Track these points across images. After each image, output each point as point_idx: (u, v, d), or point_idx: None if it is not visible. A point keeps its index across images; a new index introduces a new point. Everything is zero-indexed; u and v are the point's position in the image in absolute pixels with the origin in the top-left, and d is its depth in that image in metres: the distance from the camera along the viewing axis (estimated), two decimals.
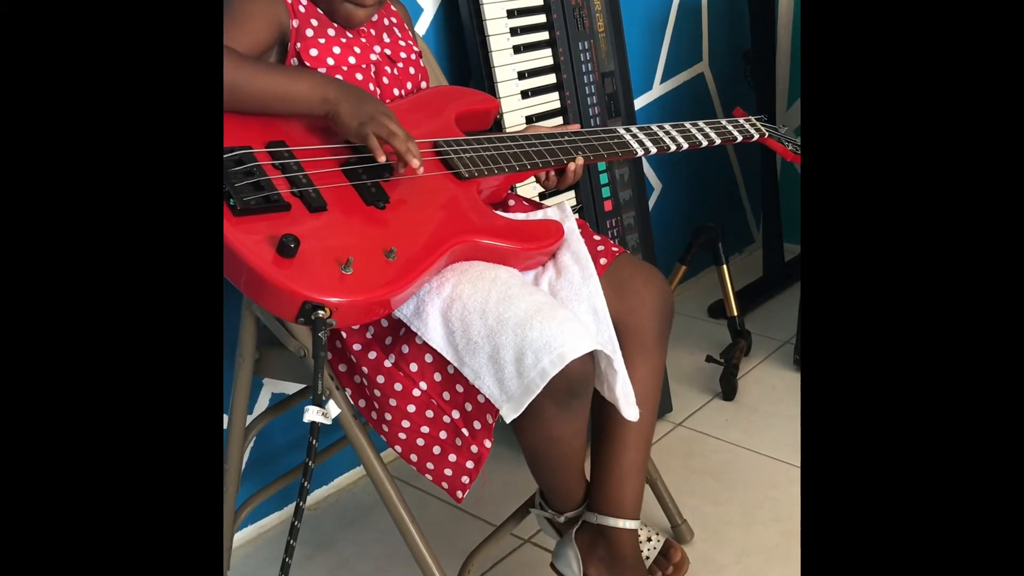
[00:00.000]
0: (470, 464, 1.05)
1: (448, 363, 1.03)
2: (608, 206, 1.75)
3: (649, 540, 1.20)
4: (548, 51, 1.62)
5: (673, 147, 1.32)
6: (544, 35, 1.61)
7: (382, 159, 1.00)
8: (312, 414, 0.89)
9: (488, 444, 1.04)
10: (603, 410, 1.13)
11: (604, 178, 1.74)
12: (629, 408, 1.09)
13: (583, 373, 1.00)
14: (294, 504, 0.95)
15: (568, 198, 1.68)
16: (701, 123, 1.38)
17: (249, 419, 1.37)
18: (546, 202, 1.38)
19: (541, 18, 1.61)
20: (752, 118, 1.46)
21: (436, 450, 1.06)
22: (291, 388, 1.56)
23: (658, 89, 2.17)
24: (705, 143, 1.36)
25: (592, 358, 1.02)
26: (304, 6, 1.13)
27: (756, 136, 1.43)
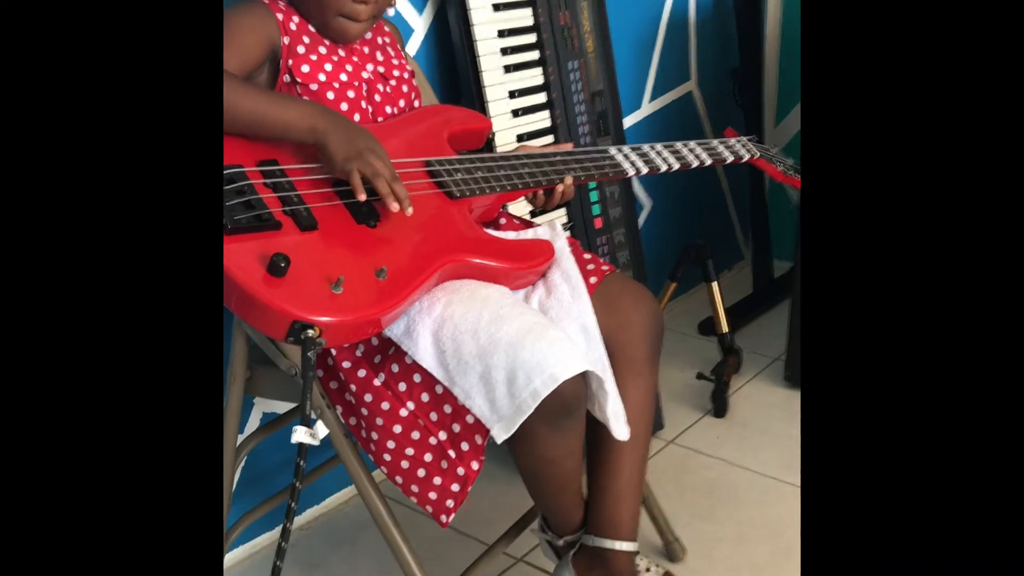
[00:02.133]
0: (455, 487, 1.04)
1: (436, 383, 1.02)
2: (598, 223, 1.74)
3: (648, 571, 1.18)
4: (538, 70, 1.62)
5: (664, 168, 1.32)
6: (535, 54, 1.61)
7: (362, 198, 0.98)
8: (300, 435, 0.87)
9: (476, 466, 1.03)
10: (598, 431, 1.12)
11: (594, 196, 1.74)
12: (620, 427, 1.08)
13: (575, 393, 0.99)
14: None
15: (559, 216, 1.68)
16: (692, 143, 1.38)
17: (240, 438, 1.36)
18: (537, 220, 1.38)
19: (531, 38, 1.61)
20: (744, 139, 1.46)
21: (421, 473, 1.05)
22: (282, 407, 1.54)
23: (647, 108, 2.17)
24: (696, 164, 1.36)
25: (584, 378, 1.01)
26: (296, 23, 1.13)
27: (747, 157, 1.43)
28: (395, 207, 0.99)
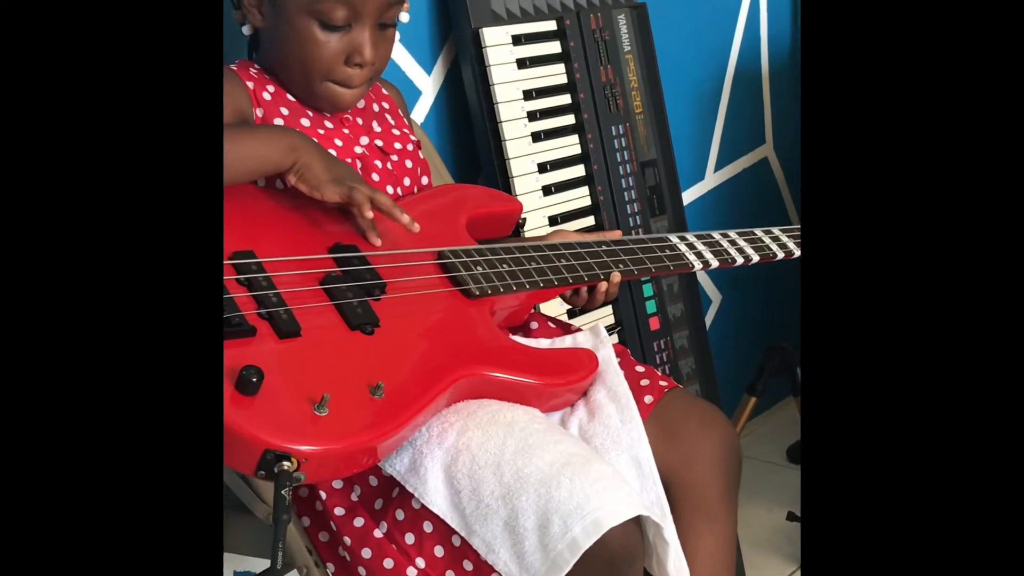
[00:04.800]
0: None
1: (454, 532, 1.01)
2: (654, 324, 1.74)
3: None
4: (575, 137, 1.64)
5: (741, 261, 1.31)
6: (569, 119, 1.64)
7: (369, 215, 1.04)
8: None
9: None
10: None
11: (648, 289, 1.74)
12: None
13: (626, 545, 0.97)
14: None
15: (603, 316, 1.67)
16: (776, 230, 1.38)
17: None
18: (576, 322, 1.38)
19: (565, 99, 1.64)
20: None
21: None
22: (259, 564, 1.52)
23: (712, 179, 2.19)
24: (781, 255, 1.35)
25: (638, 525, 1.00)
26: (270, 93, 1.17)
27: None
28: (405, 219, 1.05)
